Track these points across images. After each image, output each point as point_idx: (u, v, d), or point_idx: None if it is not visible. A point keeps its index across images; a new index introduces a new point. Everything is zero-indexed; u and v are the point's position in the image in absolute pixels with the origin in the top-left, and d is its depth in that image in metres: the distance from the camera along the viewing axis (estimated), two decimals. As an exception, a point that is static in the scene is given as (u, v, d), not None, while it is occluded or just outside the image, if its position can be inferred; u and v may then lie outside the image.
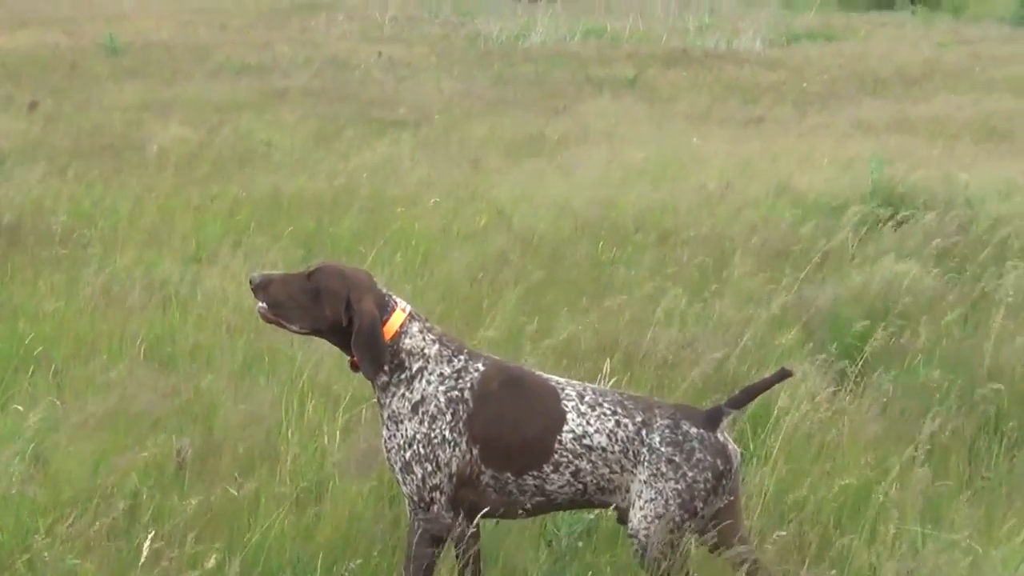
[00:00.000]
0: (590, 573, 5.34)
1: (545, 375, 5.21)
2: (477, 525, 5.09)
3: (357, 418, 6.37)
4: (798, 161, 13.28)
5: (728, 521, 5.04)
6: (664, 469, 4.94)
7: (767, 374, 5.55)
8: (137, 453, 5.61)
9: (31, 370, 6.63)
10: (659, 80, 22.02)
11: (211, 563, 4.65)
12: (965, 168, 12.31)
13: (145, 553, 4.60)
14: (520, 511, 5.10)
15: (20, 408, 5.84)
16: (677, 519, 4.95)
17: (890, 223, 10.00)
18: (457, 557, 5.06)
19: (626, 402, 5.08)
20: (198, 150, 13.01)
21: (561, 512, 5.46)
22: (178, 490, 5.54)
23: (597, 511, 5.51)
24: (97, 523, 4.95)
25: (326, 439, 6.08)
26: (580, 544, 5.58)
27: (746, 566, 5.03)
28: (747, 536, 5.19)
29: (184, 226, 9.70)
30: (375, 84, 20.41)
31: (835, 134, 15.76)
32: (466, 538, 5.04)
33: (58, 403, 6.13)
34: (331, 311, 4.94)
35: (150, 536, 4.72)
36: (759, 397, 5.42)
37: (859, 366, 7.08)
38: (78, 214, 9.91)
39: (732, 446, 5.08)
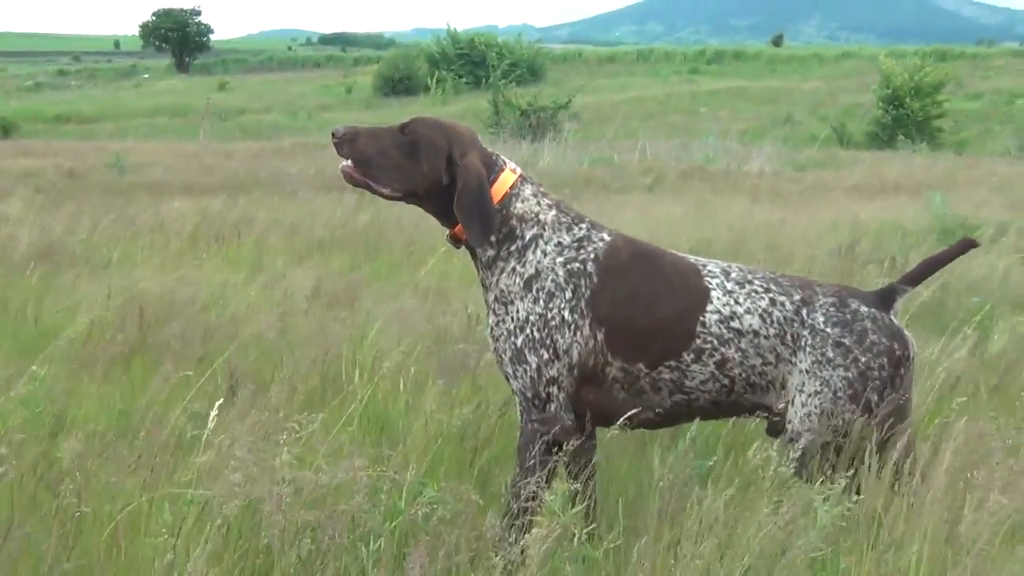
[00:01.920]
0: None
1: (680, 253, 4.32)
2: (594, 439, 4.17)
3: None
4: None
5: (898, 424, 4.09)
6: (831, 354, 4.04)
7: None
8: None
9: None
10: (681, 185, 21.48)
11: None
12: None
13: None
14: (652, 415, 4.16)
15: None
16: (848, 415, 4.01)
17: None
18: (569, 473, 4.11)
19: (781, 279, 4.20)
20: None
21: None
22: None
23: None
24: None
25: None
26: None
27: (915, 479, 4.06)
28: (914, 445, 4.23)
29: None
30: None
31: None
32: (583, 448, 4.10)
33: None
34: (430, 167, 4.08)
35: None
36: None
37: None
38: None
39: (907, 332, 4.18)
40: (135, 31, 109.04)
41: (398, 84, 66.82)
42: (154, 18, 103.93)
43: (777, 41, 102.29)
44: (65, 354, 5.60)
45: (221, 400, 4.46)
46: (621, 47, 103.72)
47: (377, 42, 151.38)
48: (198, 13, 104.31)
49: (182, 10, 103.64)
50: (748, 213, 14.35)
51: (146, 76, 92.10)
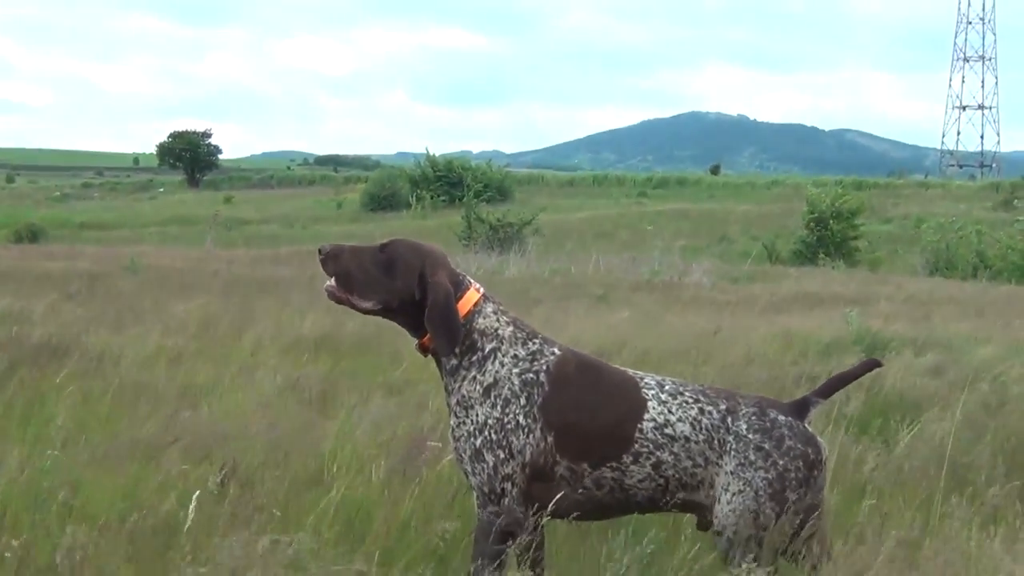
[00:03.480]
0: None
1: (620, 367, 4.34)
2: (543, 530, 4.14)
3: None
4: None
5: (813, 519, 4.11)
6: (753, 457, 4.05)
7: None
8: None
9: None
10: (630, 297, 21.56)
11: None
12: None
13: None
14: (595, 510, 4.16)
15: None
16: (768, 511, 4.01)
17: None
18: (520, 561, 4.08)
19: (708, 391, 4.22)
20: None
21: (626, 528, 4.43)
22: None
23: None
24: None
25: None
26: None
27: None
28: (828, 545, 4.25)
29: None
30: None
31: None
32: (534, 539, 4.07)
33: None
34: (404, 283, 4.09)
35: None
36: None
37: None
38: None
39: (820, 439, 4.21)
40: (153, 150, 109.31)
41: (383, 201, 67.07)
42: (170, 139, 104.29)
43: (715, 170, 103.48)
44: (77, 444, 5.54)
45: (198, 492, 4.43)
46: (579, 172, 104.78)
47: (365, 163, 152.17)
48: (209, 135, 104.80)
49: (195, 132, 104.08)
50: (688, 323, 14.38)
51: (161, 190, 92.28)
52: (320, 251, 4.17)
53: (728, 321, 15.18)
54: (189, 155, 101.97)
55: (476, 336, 4.11)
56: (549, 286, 24.01)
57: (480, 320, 4.13)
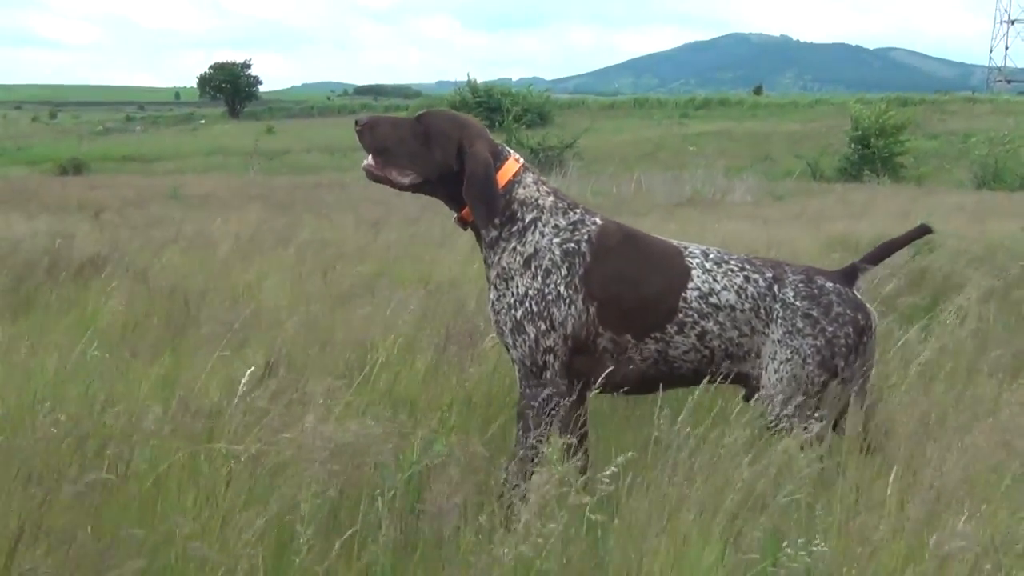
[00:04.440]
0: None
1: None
2: (587, 404, 4.07)
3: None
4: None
5: (863, 386, 4.02)
6: (800, 324, 3.95)
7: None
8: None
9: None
10: (672, 210, 21.42)
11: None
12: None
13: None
14: (640, 383, 4.08)
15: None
16: (816, 379, 3.92)
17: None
18: (564, 432, 4.00)
19: (754, 260, 4.11)
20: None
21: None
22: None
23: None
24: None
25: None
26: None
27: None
28: (876, 407, 4.15)
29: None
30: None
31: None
32: (578, 413, 4.01)
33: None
34: (442, 154, 4.00)
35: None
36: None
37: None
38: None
39: (869, 306, 4.10)
40: (193, 84, 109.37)
41: (423, 128, 66.67)
42: (210, 71, 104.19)
43: (758, 91, 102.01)
44: (113, 339, 5.53)
45: (252, 368, 4.38)
46: (620, 96, 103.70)
47: (405, 92, 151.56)
48: (249, 66, 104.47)
49: (234, 63, 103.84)
50: (735, 231, 14.22)
51: (202, 122, 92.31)
52: (357, 123, 4.09)
53: (773, 229, 15.00)
54: (229, 87, 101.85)
55: (516, 206, 4.02)
56: (591, 207, 23.88)
57: (520, 190, 4.04)
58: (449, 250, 9.50)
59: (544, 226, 4.00)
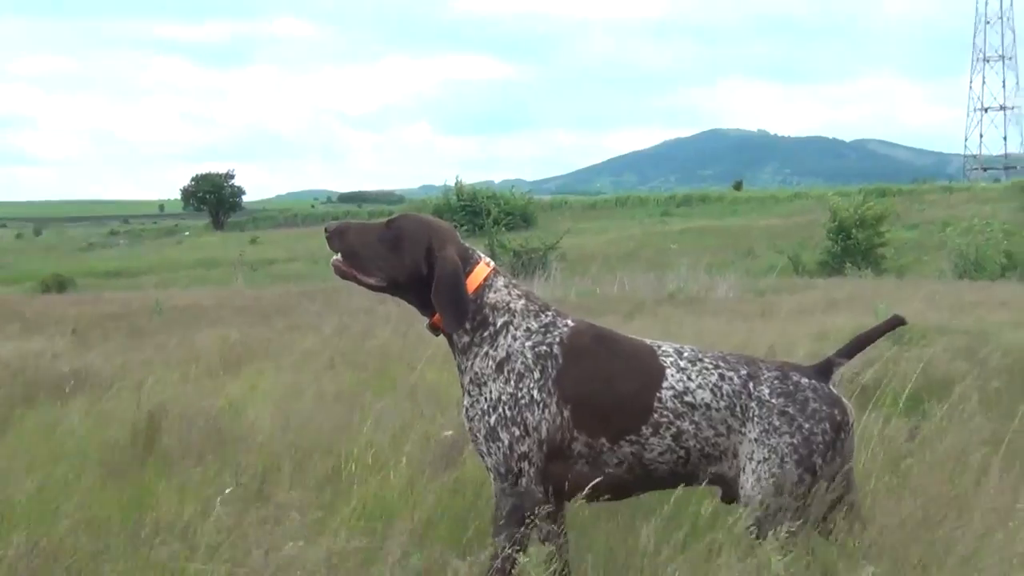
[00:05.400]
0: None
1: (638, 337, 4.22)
2: (564, 511, 4.01)
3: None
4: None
5: (842, 484, 3.96)
6: (777, 422, 3.91)
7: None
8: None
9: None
10: (655, 309, 21.39)
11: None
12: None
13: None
14: (616, 488, 4.02)
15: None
16: (795, 478, 3.87)
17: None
18: (542, 541, 3.93)
19: (728, 357, 4.08)
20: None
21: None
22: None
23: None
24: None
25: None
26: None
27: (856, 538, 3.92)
28: (858, 507, 4.10)
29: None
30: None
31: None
32: (555, 520, 3.94)
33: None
34: (411, 259, 3.99)
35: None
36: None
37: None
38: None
39: (846, 400, 4.06)
40: (177, 195, 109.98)
41: (407, 233, 66.90)
42: (193, 183, 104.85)
43: (738, 186, 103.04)
44: (91, 459, 5.45)
45: (228, 489, 4.31)
46: (601, 195, 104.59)
47: (389, 198, 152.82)
48: (232, 176, 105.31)
49: (218, 174, 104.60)
50: (717, 329, 14.22)
51: (187, 234, 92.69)
52: (326, 229, 4.09)
53: (755, 324, 15.00)
54: (213, 197, 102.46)
55: (487, 311, 4.00)
56: (576, 308, 23.87)
57: (491, 294, 4.02)
58: (431, 360, 9.45)
59: (516, 329, 3.98)
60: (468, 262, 4.04)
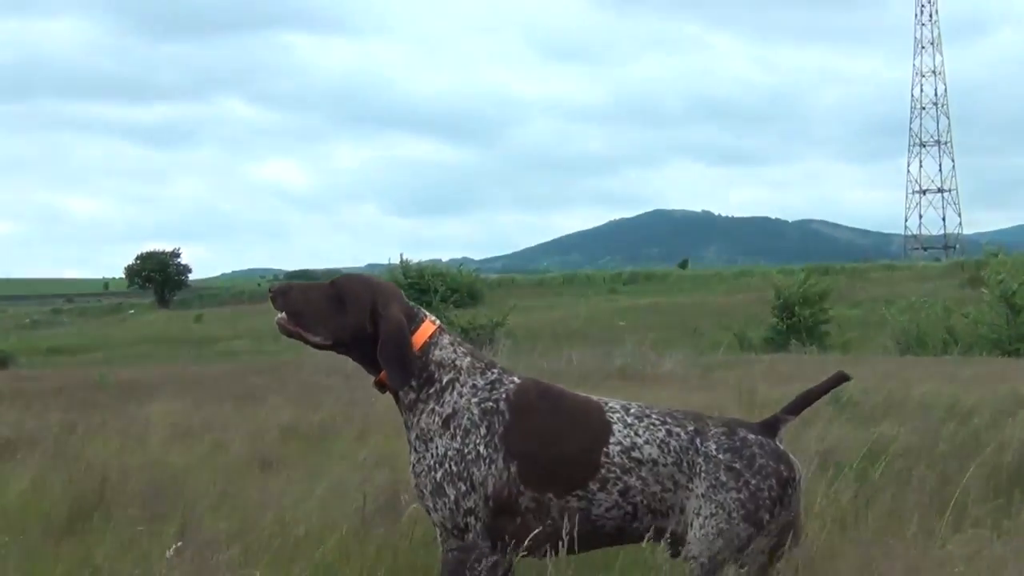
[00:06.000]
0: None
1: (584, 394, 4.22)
2: (512, 566, 3.97)
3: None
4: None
5: (785, 545, 3.96)
6: (724, 478, 3.92)
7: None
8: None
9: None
10: (602, 383, 21.41)
11: None
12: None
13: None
14: (563, 543, 3.98)
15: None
16: (742, 534, 3.87)
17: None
18: None
19: (675, 413, 4.10)
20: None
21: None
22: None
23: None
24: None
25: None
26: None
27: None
28: (802, 562, 4.09)
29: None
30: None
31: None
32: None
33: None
34: (355, 318, 3.99)
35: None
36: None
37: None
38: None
39: (792, 456, 4.08)
40: (122, 274, 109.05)
41: (354, 311, 66.66)
42: (138, 261, 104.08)
43: (683, 265, 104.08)
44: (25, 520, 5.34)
45: (169, 550, 4.23)
46: (549, 274, 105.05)
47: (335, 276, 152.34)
48: (178, 255, 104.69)
49: (163, 252, 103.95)
50: (663, 398, 14.24)
51: (131, 312, 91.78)
52: (270, 289, 4.09)
53: (703, 395, 15.03)
54: (159, 276, 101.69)
55: (433, 368, 4.00)
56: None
57: (437, 352, 4.02)
58: (381, 422, 9.39)
59: (462, 386, 3.98)
60: (413, 320, 4.05)
